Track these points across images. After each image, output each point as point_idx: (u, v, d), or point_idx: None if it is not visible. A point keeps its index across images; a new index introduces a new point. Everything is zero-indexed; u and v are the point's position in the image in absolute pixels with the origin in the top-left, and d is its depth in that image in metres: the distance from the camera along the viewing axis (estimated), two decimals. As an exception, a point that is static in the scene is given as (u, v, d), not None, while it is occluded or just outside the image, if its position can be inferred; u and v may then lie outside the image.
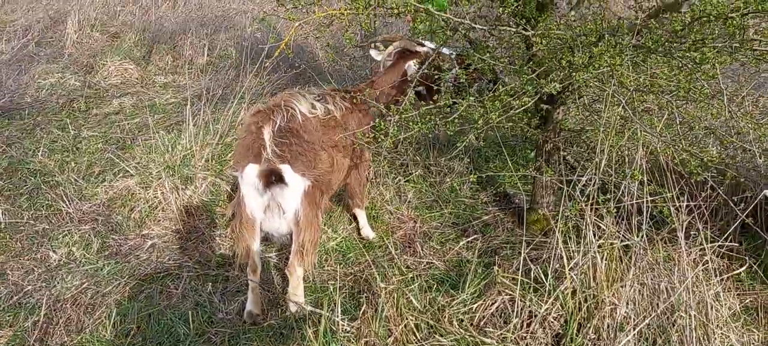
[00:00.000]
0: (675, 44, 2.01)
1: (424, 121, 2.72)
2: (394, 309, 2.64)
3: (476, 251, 3.38)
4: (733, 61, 2.21)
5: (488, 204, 4.08)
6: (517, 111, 2.37)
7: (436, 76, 3.22)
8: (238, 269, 3.15)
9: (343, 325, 2.51)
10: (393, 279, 2.88)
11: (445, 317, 2.67)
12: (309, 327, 2.43)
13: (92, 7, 8.67)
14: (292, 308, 2.83)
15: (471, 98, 2.63)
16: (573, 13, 2.98)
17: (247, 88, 4.76)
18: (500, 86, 2.76)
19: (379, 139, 2.87)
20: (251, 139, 2.70)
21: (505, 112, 2.59)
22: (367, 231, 3.62)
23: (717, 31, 1.95)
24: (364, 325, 2.54)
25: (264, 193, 2.59)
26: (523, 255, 2.58)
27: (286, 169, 2.56)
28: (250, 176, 2.55)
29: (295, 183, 2.61)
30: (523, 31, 2.40)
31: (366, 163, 3.47)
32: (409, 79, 3.35)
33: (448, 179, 4.26)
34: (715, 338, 2.34)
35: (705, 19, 1.83)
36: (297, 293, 2.85)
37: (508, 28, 2.54)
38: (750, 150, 3.37)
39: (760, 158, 3.44)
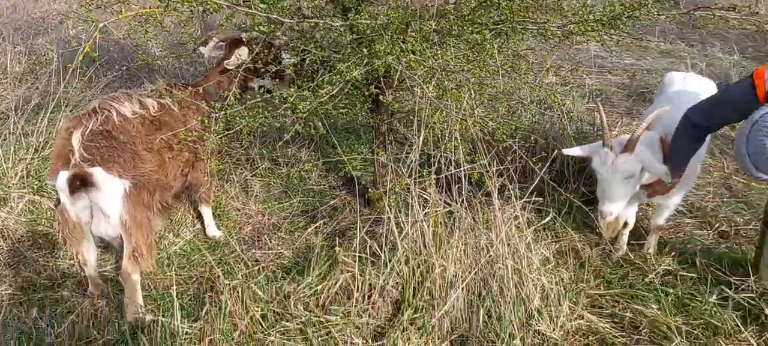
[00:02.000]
0: (464, 27, 2.22)
1: (251, 116, 2.72)
2: (239, 304, 2.64)
3: (323, 236, 3.49)
4: (522, 38, 2.51)
5: (336, 189, 4.18)
6: (323, 98, 2.45)
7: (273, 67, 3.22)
8: (68, 288, 2.94)
9: (184, 328, 2.46)
10: (238, 275, 2.87)
11: (291, 303, 2.73)
12: (144, 336, 2.35)
13: None
14: (129, 317, 2.71)
15: (293, 89, 2.67)
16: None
17: (64, 96, 4.39)
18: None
19: (208, 137, 2.84)
20: (61, 146, 2.61)
21: (330, 100, 2.68)
22: (213, 230, 3.55)
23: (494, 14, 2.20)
24: (207, 325, 2.50)
25: (75, 199, 2.49)
26: (359, 234, 2.70)
27: (97, 172, 2.47)
28: (61, 183, 2.43)
29: (111, 185, 2.53)
30: (331, 23, 2.49)
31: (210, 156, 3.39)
32: (234, 70, 3.30)
33: (295, 169, 4.29)
34: (529, 282, 2.64)
35: (486, 3, 2.05)
36: (134, 301, 2.73)
37: (317, 20, 2.60)
38: (557, 115, 3.81)
39: (567, 121, 3.92)
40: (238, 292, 2.66)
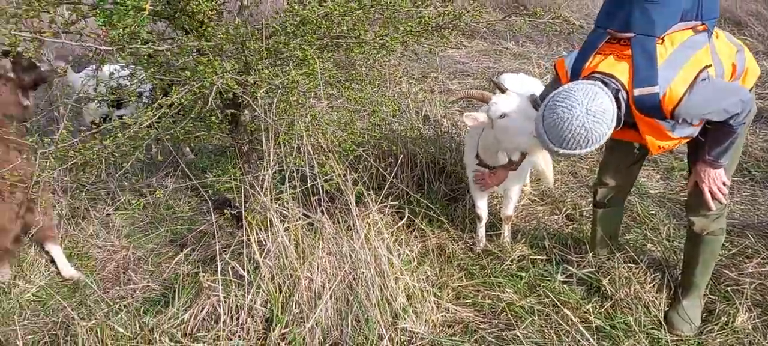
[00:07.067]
0: (288, 44, 2.29)
1: (86, 149, 2.58)
2: (99, 344, 2.53)
3: (192, 263, 3.41)
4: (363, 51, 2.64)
5: (207, 214, 4.09)
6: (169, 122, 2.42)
7: None
8: None
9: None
10: (97, 314, 2.75)
11: (156, 336, 2.65)
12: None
13: None
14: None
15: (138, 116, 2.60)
16: (237, 19, 3.16)
17: None
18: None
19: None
20: None
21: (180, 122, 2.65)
22: (68, 270, 3.33)
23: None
24: (61, 372, 2.37)
25: None
26: (219, 256, 2.69)
27: None
28: None
29: None
30: (157, 49, 2.46)
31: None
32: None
33: (162, 198, 4.15)
34: (391, 282, 2.76)
35: (304, 24, 2.15)
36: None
37: (145, 46, 2.54)
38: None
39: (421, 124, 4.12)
40: (96, 332, 2.55)
